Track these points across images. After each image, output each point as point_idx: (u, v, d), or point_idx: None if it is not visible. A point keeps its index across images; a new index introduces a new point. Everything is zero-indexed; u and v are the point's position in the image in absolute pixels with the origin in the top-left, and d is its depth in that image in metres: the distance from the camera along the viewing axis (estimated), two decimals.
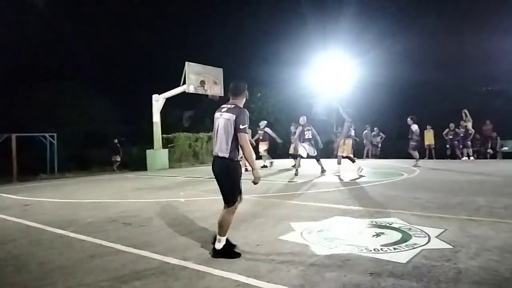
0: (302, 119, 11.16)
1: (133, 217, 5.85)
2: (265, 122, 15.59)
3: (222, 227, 3.66)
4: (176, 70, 16.34)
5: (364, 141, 18.82)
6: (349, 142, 10.70)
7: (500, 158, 15.98)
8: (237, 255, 3.63)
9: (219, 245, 3.64)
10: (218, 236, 3.67)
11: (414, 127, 12.84)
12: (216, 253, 3.64)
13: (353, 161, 10.71)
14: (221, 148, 3.64)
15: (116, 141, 17.12)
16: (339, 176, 10.26)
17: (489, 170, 11.09)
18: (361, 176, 10.12)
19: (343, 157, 10.74)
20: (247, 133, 3.64)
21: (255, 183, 3.64)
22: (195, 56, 17.06)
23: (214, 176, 3.80)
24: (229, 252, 3.67)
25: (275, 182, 9.69)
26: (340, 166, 10.70)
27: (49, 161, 15.62)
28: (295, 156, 14.62)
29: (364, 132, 18.76)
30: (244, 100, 3.89)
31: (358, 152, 18.62)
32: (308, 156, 10.98)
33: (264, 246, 3.96)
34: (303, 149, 10.89)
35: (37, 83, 20.16)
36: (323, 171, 10.89)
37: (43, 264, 3.71)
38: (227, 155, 3.62)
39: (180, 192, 8.59)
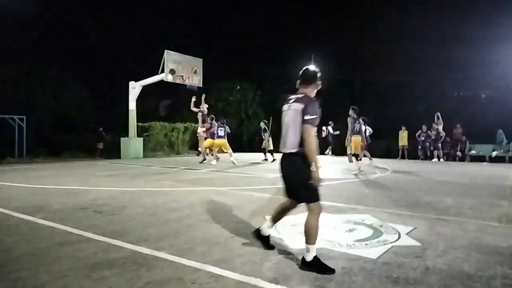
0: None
1: (104, 205, 5.72)
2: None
3: (310, 234, 3.14)
4: (155, 57, 16.05)
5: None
6: (356, 139, 10.31)
7: (468, 161, 16.62)
8: (331, 270, 3.04)
9: (309, 256, 3.10)
10: (306, 245, 3.13)
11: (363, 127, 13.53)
12: (306, 266, 3.10)
13: (358, 159, 10.37)
14: (290, 143, 3.20)
15: (101, 129, 16.92)
16: (356, 174, 9.88)
17: (457, 172, 11.52)
18: (356, 174, 9.89)
19: (353, 155, 10.44)
20: (314, 125, 3.14)
21: (313, 184, 3.16)
22: (175, 45, 16.79)
23: (282, 177, 3.38)
24: (322, 265, 3.08)
25: (252, 176, 9.70)
26: (354, 164, 10.29)
27: (17, 144, 15.05)
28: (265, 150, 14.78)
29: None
30: (316, 90, 3.38)
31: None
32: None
33: (239, 238, 3.96)
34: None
35: (6, 63, 19.30)
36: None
37: (8, 251, 3.57)
38: (296, 150, 3.16)
39: (155, 181, 8.47)
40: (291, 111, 3.24)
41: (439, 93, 21.36)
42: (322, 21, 24.28)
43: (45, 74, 20.44)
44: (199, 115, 14.27)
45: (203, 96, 14.71)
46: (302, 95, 3.26)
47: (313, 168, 3.11)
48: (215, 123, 13.45)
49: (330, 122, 19.02)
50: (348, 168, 10.58)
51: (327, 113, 20.93)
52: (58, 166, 12.61)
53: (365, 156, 12.13)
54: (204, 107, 14.47)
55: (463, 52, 18.29)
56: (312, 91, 3.34)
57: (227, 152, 13.38)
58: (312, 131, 3.13)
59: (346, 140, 10.65)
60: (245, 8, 30.83)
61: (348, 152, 10.55)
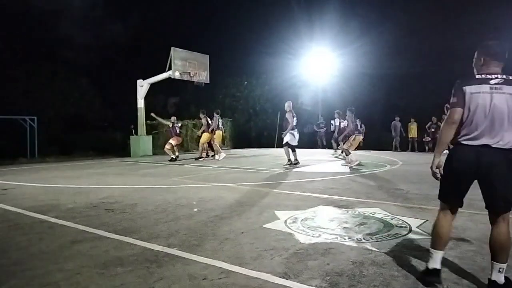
0: (289, 104, 10.63)
1: (115, 203, 5.78)
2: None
3: (506, 250, 2.54)
4: (162, 55, 16.09)
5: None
6: (358, 138, 10.67)
7: None
8: None
9: (501, 278, 2.53)
10: (498, 264, 2.53)
11: (337, 121, 14.29)
12: None
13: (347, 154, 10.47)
14: (502, 135, 2.50)
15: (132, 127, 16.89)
16: (350, 166, 9.96)
17: None
18: (352, 167, 9.92)
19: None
20: None
21: None
22: (182, 42, 16.82)
23: (471, 173, 2.59)
24: None
25: (261, 171, 9.71)
26: (351, 156, 10.30)
27: (29, 145, 15.26)
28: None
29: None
30: None
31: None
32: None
33: (249, 234, 3.97)
34: (293, 136, 10.30)
35: (17, 65, 19.53)
36: (296, 163, 10.49)
37: (22, 249, 3.64)
38: (509, 146, 2.51)
39: (165, 178, 8.53)
40: (501, 96, 2.51)
41: (448, 84, 21.06)
42: (325, 17, 24.07)
43: (54, 74, 20.65)
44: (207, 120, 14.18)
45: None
46: (510, 77, 2.57)
47: None
48: (217, 116, 13.78)
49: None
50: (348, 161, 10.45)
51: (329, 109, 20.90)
52: (69, 165, 12.76)
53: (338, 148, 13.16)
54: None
55: (475, 43, 17.96)
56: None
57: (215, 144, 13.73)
58: None
59: (346, 138, 10.76)
60: (252, 1, 30.71)
61: (345, 147, 10.65)
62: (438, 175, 2.69)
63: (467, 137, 2.58)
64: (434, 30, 21.12)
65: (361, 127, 12.80)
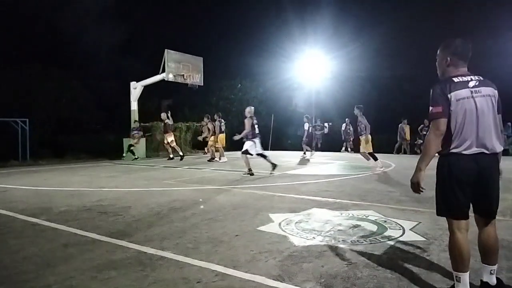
0: (250, 110, 9.75)
1: (109, 206, 5.74)
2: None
3: (496, 252, 2.57)
4: (156, 57, 16.05)
5: (343, 137, 18.92)
6: (368, 137, 10.13)
7: None
8: None
9: (493, 279, 2.54)
10: (489, 267, 2.55)
11: (306, 126, 15.23)
12: None
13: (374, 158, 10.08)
14: (491, 139, 2.44)
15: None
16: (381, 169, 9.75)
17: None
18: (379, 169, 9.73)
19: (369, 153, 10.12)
20: None
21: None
22: (176, 44, 16.79)
23: (472, 181, 2.46)
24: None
25: (255, 174, 9.70)
26: (374, 161, 10.06)
27: (20, 147, 15.09)
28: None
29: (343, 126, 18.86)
30: None
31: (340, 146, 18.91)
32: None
33: (243, 237, 3.97)
34: (253, 144, 9.48)
35: (8, 66, 19.34)
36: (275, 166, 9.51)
37: (15, 253, 3.60)
38: (499, 149, 2.49)
39: (159, 181, 8.49)
40: (482, 98, 2.45)
41: None
42: (319, 20, 24.26)
43: (46, 75, 20.46)
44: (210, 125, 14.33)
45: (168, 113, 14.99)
46: (481, 78, 2.52)
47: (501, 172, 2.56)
48: (221, 120, 14.18)
49: (346, 119, 18.61)
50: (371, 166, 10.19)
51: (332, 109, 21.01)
52: (62, 167, 12.65)
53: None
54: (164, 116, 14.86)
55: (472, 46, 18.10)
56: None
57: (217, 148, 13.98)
58: None
59: (362, 139, 10.18)
60: (246, 4, 30.78)
61: (361, 151, 10.16)
62: (423, 190, 2.54)
63: (462, 147, 2.44)
64: (426, 33, 21.32)
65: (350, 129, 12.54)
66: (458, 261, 2.50)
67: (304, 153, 15.32)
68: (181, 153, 14.35)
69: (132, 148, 14.88)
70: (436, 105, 2.47)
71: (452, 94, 2.44)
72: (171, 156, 14.69)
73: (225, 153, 14.53)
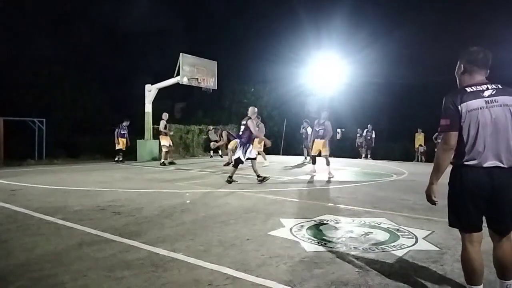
0: (255, 110, 9.08)
1: (122, 206, 5.82)
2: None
3: None
4: (171, 61, 16.22)
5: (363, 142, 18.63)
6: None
7: None
8: None
9: None
10: (506, 282, 2.49)
11: (309, 130, 14.45)
12: None
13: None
14: (508, 152, 2.34)
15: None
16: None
17: None
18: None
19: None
20: None
21: None
22: (190, 49, 16.97)
23: (485, 196, 2.38)
24: None
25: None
26: (312, 164, 10.50)
27: (37, 146, 15.40)
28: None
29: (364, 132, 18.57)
30: None
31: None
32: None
33: (254, 241, 3.98)
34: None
35: (27, 67, 19.78)
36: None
37: (30, 250, 3.67)
38: None
39: (171, 183, 8.56)
40: (499, 109, 2.33)
41: None
42: (333, 25, 24.19)
43: (64, 77, 20.89)
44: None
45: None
46: (500, 86, 2.40)
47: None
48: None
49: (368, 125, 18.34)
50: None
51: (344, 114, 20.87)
52: (76, 167, 12.85)
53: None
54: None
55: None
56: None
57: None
58: None
59: (321, 142, 10.32)
60: (261, 9, 30.94)
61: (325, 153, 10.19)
62: (437, 203, 2.53)
63: (476, 160, 2.35)
64: (442, 41, 21.09)
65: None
66: (470, 275, 2.46)
67: (305, 158, 15.42)
68: (163, 161, 13.77)
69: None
70: (445, 118, 2.41)
71: (463, 105, 2.35)
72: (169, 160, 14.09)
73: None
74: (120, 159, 14.73)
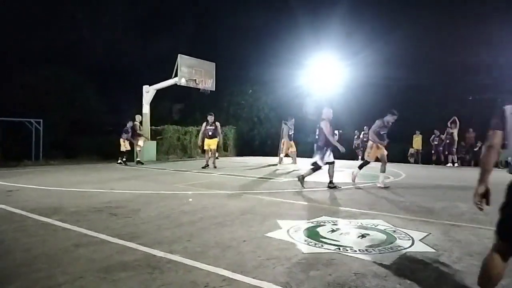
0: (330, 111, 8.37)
1: (119, 207, 5.80)
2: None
3: None
4: (169, 62, 16.22)
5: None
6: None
7: None
8: None
9: None
10: None
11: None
12: None
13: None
14: None
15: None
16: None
17: (472, 177, 11.30)
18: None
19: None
20: None
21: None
22: (188, 50, 16.97)
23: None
24: None
25: (264, 180, 9.72)
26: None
27: (34, 147, 15.34)
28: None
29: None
30: None
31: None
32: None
33: (251, 242, 3.98)
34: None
35: (24, 67, 19.72)
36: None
37: (27, 251, 3.66)
38: None
39: (168, 184, 8.55)
40: None
41: (454, 97, 21.08)
42: (331, 27, 24.23)
43: (61, 78, 20.84)
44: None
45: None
46: None
47: None
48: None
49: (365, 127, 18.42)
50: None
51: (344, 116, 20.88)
52: (73, 168, 12.82)
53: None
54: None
55: (481, 57, 17.94)
56: None
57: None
58: None
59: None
60: (257, 9, 30.96)
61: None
62: (483, 207, 2.39)
63: None
64: (441, 43, 21.19)
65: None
66: (485, 280, 2.37)
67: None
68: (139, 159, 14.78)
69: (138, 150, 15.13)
70: (494, 117, 2.37)
71: (508, 107, 2.30)
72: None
73: (235, 158, 14.53)
74: (124, 159, 14.79)
